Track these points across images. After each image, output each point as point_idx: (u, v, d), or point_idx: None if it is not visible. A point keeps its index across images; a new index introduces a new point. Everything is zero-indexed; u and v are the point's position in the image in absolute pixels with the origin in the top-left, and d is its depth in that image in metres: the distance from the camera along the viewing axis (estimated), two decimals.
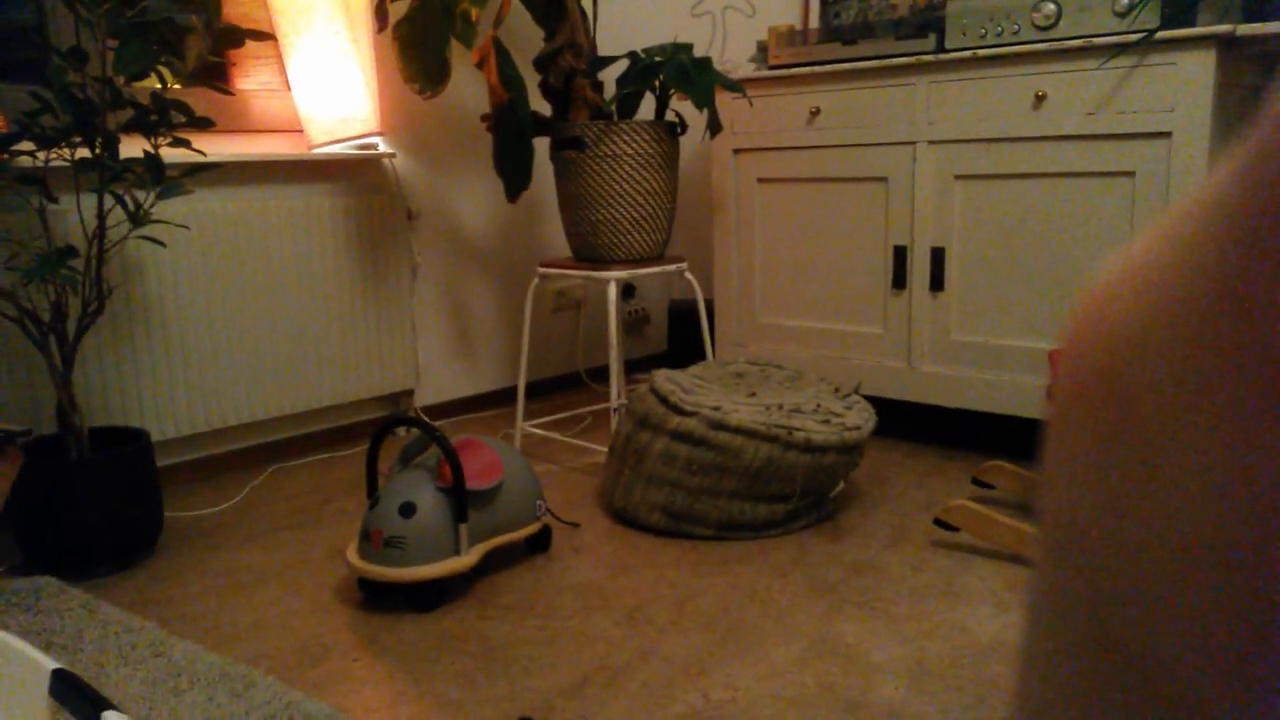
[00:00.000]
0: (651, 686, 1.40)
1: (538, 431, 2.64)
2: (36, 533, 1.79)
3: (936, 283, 2.35)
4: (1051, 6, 2.11)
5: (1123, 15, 2.02)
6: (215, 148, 2.38)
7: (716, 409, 1.92)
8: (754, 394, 2.11)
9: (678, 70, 2.32)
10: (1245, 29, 1.89)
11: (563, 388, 3.33)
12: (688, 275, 2.51)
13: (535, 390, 3.23)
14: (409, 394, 2.84)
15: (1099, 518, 0.22)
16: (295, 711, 1.31)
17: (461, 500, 1.66)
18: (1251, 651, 0.18)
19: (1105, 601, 0.21)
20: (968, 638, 1.51)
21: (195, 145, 2.27)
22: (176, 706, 1.34)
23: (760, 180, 2.66)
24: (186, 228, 2.26)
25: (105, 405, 2.17)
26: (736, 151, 2.69)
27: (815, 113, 2.50)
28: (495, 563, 1.85)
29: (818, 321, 2.60)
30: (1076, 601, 0.23)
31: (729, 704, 1.35)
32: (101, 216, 1.86)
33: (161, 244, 1.94)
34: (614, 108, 2.52)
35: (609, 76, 3.22)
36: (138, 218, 1.87)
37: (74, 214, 2.06)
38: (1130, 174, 2.04)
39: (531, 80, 2.86)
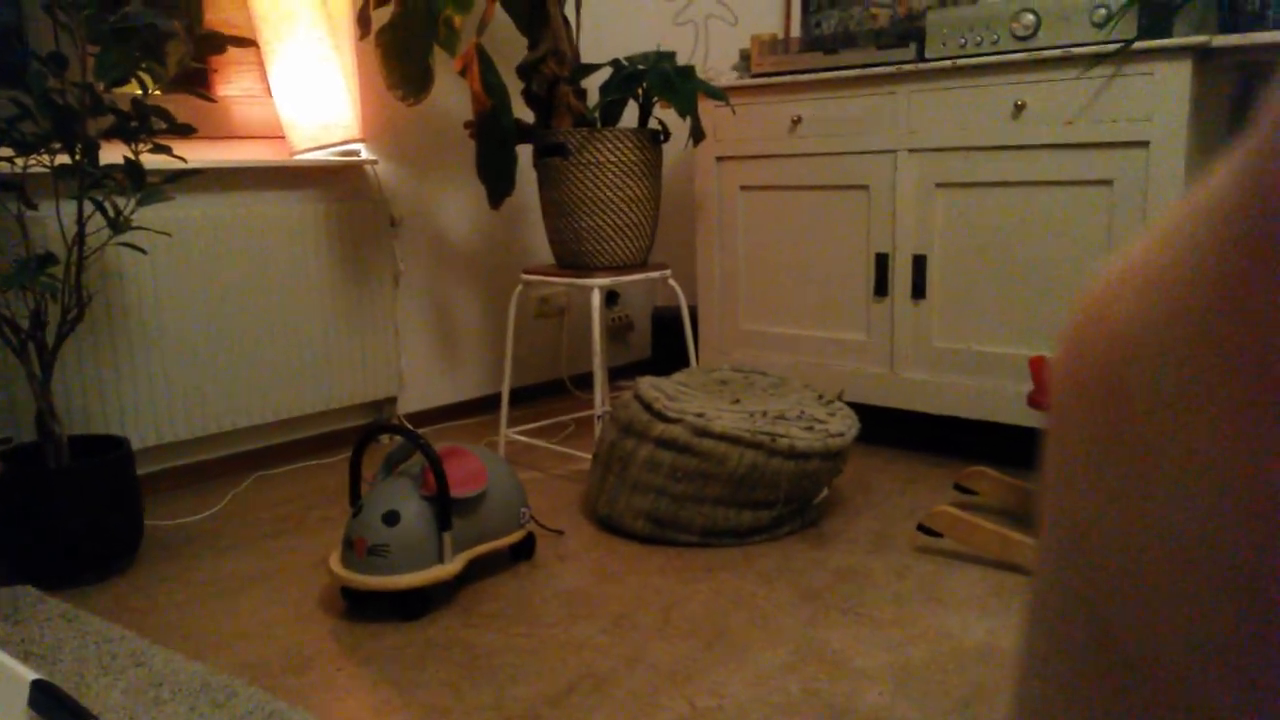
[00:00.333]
0: (637, 694, 1.39)
1: (522, 439, 2.64)
2: (15, 542, 1.77)
3: (918, 290, 2.36)
4: (1030, 17, 2.13)
5: (1100, 26, 2.05)
6: (196, 154, 2.37)
7: (700, 416, 1.92)
8: (738, 401, 2.12)
9: (661, 78, 2.33)
10: (1220, 40, 1.91)
11: (547, 395, 3.32)
12: (671, 282, 2.52)
13: (519, 397, 3.23)
14: (392, 401, 2.83)
15: (1098, 518, 0.22)
16: None
17: (445, 508, 1.65)
18: (1252, 652, 0.18)
19: (1105, 602, 0.21)
20: (952, 643, 1.52)
21: (176, 152, 2.25)
22: (157, 717, 1.32)
23: (743, 188, 2.67)
24: (167, 234, 2.25)
25: (85, 413, 2.15)
26: (719, 159, 2.70)
27: (797, 121, 2.51)
28: (479, 571, 1.85)
29: (801, 328, 2.61)
30: (1076, 602, 0.23)
31: (715, 711, 1.35)
32: (81, 223, 1.85)
33: (142, 251, 1.92)
34: (597, 115, 2.52)
35: (592, 84, 3.23)
36: (118, 224, 1.86)
37: (53, 221, 2.05)
38: (1108, 182, 2.06)
39: (514, 87, 2.86)
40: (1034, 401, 1.80)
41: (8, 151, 1.96)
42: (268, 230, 2.45)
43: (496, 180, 2.51)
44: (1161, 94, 1.97)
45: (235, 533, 2.09)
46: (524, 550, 1.89)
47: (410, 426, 2.83)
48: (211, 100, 2.01)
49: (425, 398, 2.93)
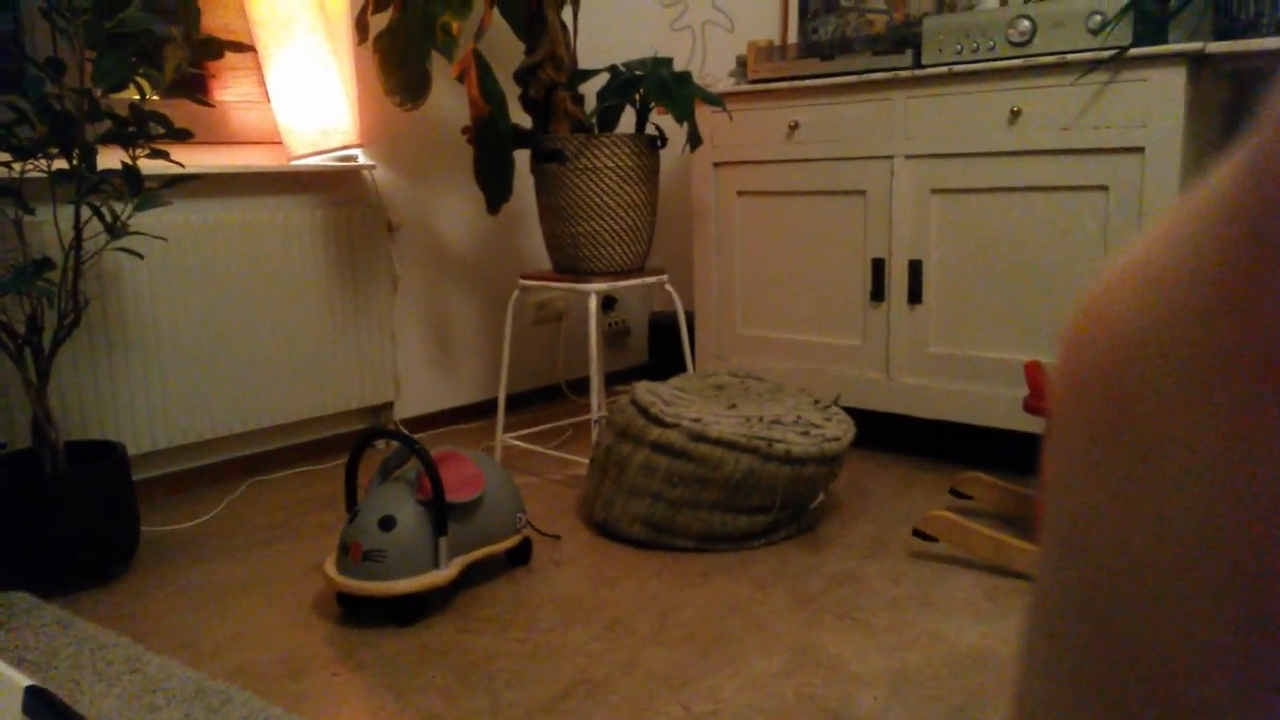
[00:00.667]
0: (633, 699, 1.39)
1: (518, 444, 2.64)
2: (10, 547, 1.77)
3: (914, 295, 2.37)
4: (1026, 23, 2.13)
5: (1096, 32, 2.05)
6: (194, 159, 2.37)
7: (697, 421, 1.92)
8: (734, 406, 2.12)
9: (658, 84, 2.33)
10: (1215, 47, 1.92)
11: (543, 400, 3.32)
12: (668, 287, 2.52)
13: (516, 402, 3.23)
14: (389, 406, 2.83)
15: (1099, 518, 0.22)
16: None
17: (441, 513, 1.65)
18: (1252, 652, 0.18)
19: (1105, 602, 0.22)
20: (947, 648, 1.52)
21: (174, 157, 2.25)
22: None
23: (740, 193, 2.67)
24: (164, 240, 2.25)
25: (81, 419, 2.15)
26: (716, 165, 2.70)
27: (794, 127, 2.52)
28: (475, 576, 1.85)
29: (797, 334, 2.61)
30: (1077, 602, 0.23)
31: (710, 716, 1.35)
32: (78, 228, 1.85)
33: (139, 256, 1.93)
34: (594, 121, 2.52)
35: (589, 90, 3.23)
36: (115, 230, 1.86)
37: (50, 226, 2.05)
38: (1104, 188, 2.06)
39: (512, 93, 2.86)
40: (1030, 406, 1.81)
41: (5, 156, 1.97)
42: (265, 235, 2.45)
43: (494, 186, 2.52)
44: (1156, 100, 1.97)
45: (231, 538, 2.09)
46: (520, 555, 1.89)
47: (407, 432, 2.83)
48: (209, 105, 2.01)
49: (422, 403, 2.93)
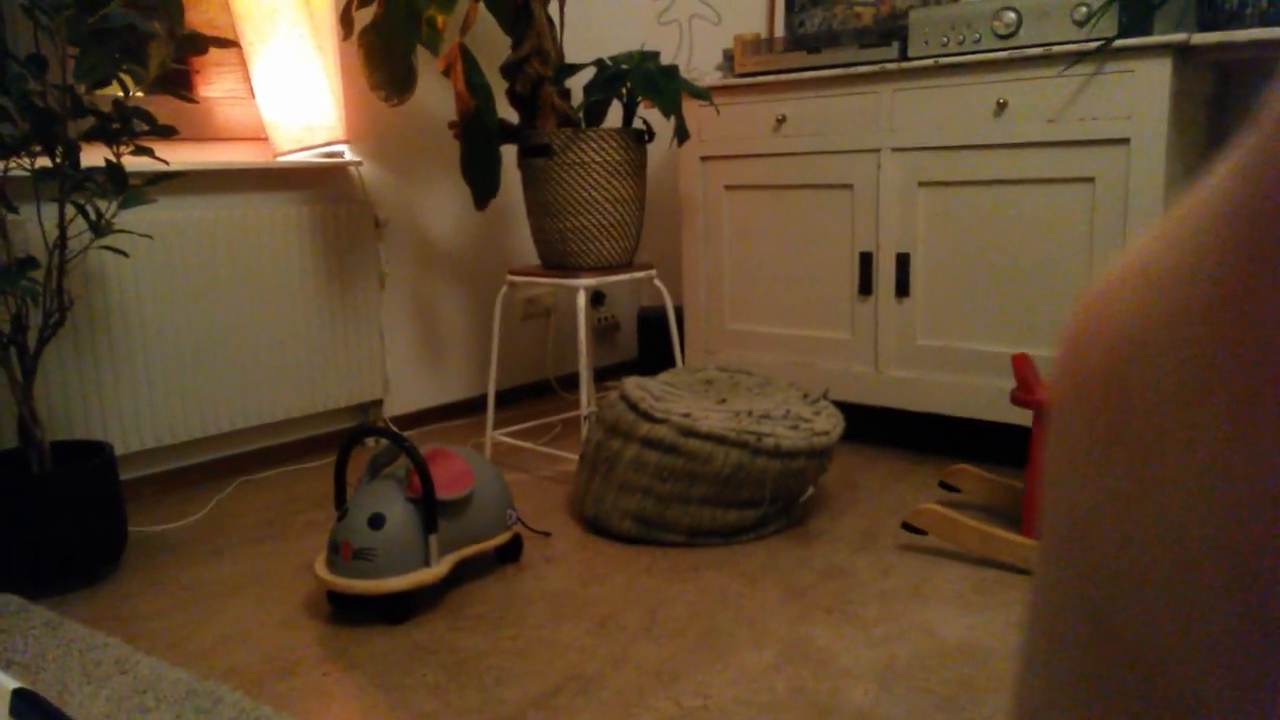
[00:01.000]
0: (623, 695, 1.40)
1: (508, 440, 2.63)
2: None
3: (902, 288, 2.37)
4: (1012, 15, 2.14)
5: (1081, 24, 2.06)
6: (179, 156, 2.36)
7: (686, 416, 1.92)
8: (724, 400, 2.12)
9: (645, 78, 2.33)
10: (1199, 38, 1.93)
11: (533, 396, 3.32)
12: (657, 282, 2.52)
13: (505, 399, 3.22)
14: (378, 404, 2.82)
15: (1099, 518, 0.22)
16: None
17: (431, 511, 1.65)
18: (1251, 651, 0.18)
19: (1105, 601, 0.22)
20: (936, 640, 1.53)
21: (158, 154, 2.24)
22: None
23: (728, 187, 2.67)
24: (149, 237, 2.24)
25: (67, 418, 2.13)
26: (704, 159, 2.70)
27: (781, 120, 2.52)
28: (466, 573, 1.85)
29: (786, 328, 2.61)
30: (1076, 601, 0.23)
31: (701, 711, 1.35)
32: (62, 226, 1.84)
33: (124, 254, 1.91)
34: (581, 115, 2.52)
35: (576, 84, 3.22)
36: (100, 227, 1.85)
37: (34, 224, 2.03)
38: (1090, 180, 2.07)
39: (499, 87, 2.85)
40: (1017, 399, 1.81)
41: None
42: (251, 232, 2.43)
43: (481, 181, 2.51)
44: (1142, 91, 1.98)
45: (220, 538, 2.08)
46: (511, 552, 1.89)
47: (396, 429, 2.82)
48: (194, 101, 2.00)
49: (411, 400, 2.92)
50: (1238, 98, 2.35)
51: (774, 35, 3.06)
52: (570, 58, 3.24)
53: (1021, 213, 2.17)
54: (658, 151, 3.43)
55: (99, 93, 2.15)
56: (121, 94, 1.86)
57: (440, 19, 2.32)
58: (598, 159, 2.35)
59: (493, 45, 2.98)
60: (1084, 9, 2.04)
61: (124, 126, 1.85)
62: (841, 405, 2.66)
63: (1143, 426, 0.20)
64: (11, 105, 1.72)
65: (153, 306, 2.27)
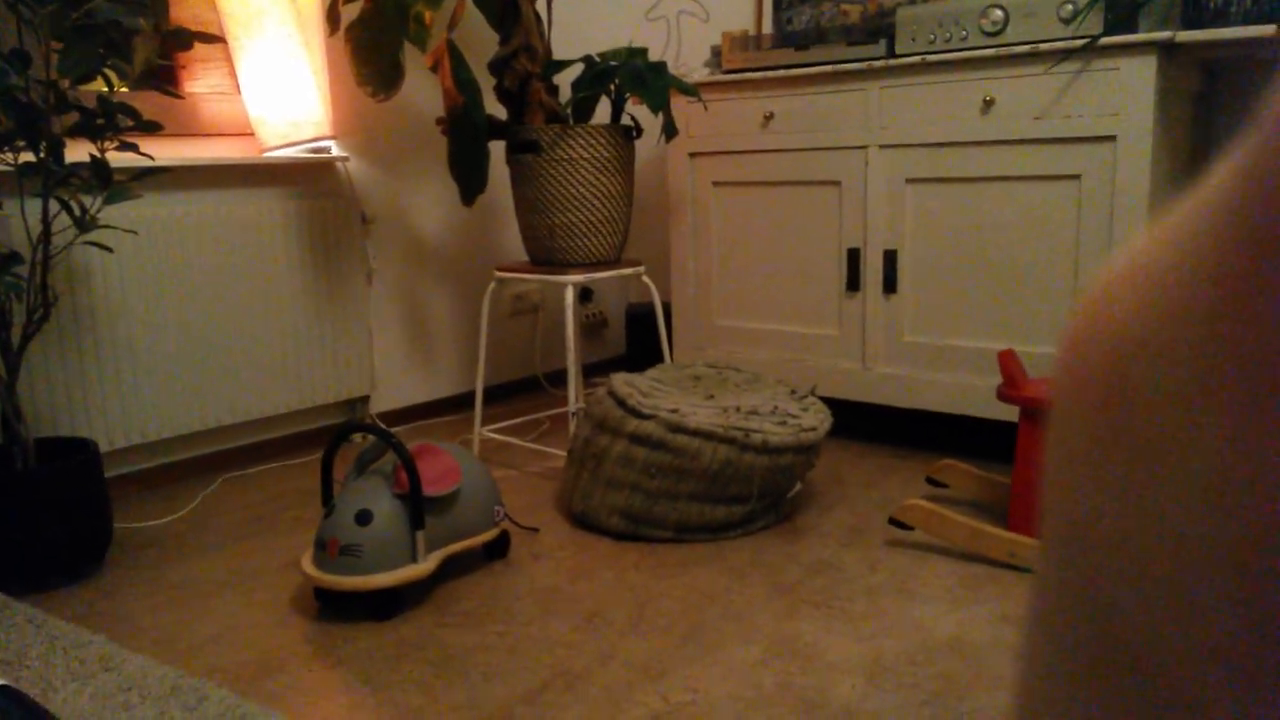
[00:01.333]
0: (611, 690, 1.40)
1: (496, 436, 2.63)
2: None
3: (889, 285, 2.38)
4: (999, 13, 2.14)
5: (1067, 21, 2.06)
6: (164, 152, 2.34)
7: (674, 412, 1.92)
8: (712, 396, 2.12)
9: (633, 74, 2.33)
10: (1184, 36, 1.94)
11: (521, 392, 3.32)
12: (645, 279, 2.52)
13: (493, 395, 3.22)
14: (365, 400, 2.82)
15: (1098, 518, 0.22)
16: None
17: (418, 507, 1.65)
18: (1252, 652, 0.18)
19: (1105, 602, 0.22)
20: (923, 635, 1.53)
21: (143, 149, 2.22)
22: None
23: (716, 184, 2.67)
24: (134, 233, 2.22)
25: (52, 415, 2.12)
26: (692, 155, 2.70)
27: (769, 117, 2.52)
28: (453, 569, 1.84)
29: (774, 324, 2.62)
30: (1076, 601, 0.23)
31: (688, 706, 1.35)
32: (46, 222, 1.82)
33: (108, 249, 1.90)
34: (569, 111, 2.52)
35: (564, 80, 3.22)
36: (84, 223, 1.84)
37: (18, 220, 2.02)
38: (1076, 177, 2.08)
39: (486, 84, 2.84)
40: (1004, 395, 1.82)
41: None
42: (237, 228, 2.42)
43: (469, 177, 2.50)
44: (1128, 89, 1.99)
45: (206, 535, 2.07)
46: (498, 548, 1.89)
47: (383, 425, 2.82)
48: (179, 97, 1.99)
49: (398, 396, 2.91)
50: (1223, 95, 2.37)
51: (762, 32, 3.06)
52: (558, 54, 3.24)
53: (1008, 209, 2.18)
54: (646, 148, 3.43)
55: (83, 88, 2.13)
56: (106, 89, 1.84)
57: (428, 15, 2.32)
58: (586, 155, 2.34)
59: (480, 41, 2.98)
60: (1070, 7, 2.05)
61: (108, 122, 1.84)
62: (829, 401, 2.66)
63: (1143, 427, 0.20)
64: None
65: (138, 302, 2.25)
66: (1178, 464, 0.19)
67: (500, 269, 2.49)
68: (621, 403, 1.97)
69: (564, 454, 2.53)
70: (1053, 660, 0.24)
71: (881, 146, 2.35)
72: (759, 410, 2.01)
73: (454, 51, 2.37)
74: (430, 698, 1.39)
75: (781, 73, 2.46)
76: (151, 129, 1.87)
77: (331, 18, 2.34)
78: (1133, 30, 2.03)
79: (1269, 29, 1.86)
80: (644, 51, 2.41)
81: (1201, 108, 2.33)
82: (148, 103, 2.29)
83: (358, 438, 2.77)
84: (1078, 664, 0.23)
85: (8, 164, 1.80)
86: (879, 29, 2.35)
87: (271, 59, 2.38)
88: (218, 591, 1.78)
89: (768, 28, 3.06)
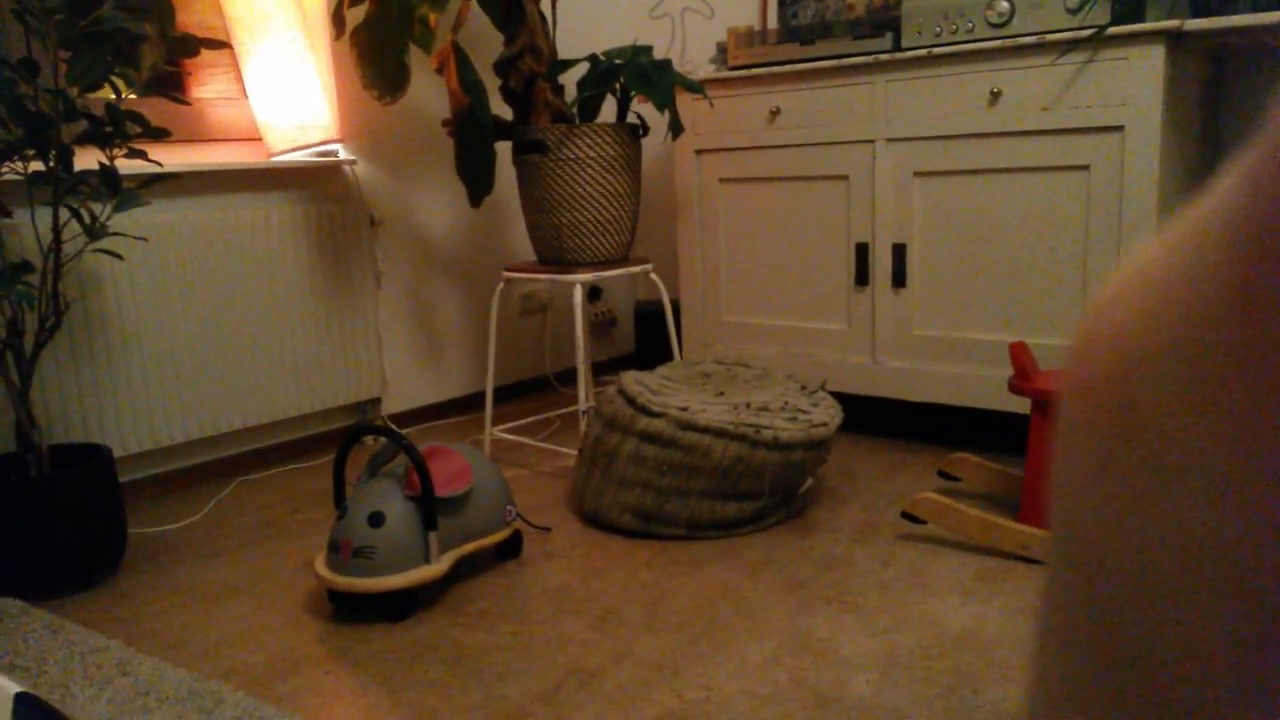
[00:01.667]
0: (626, 688, 1.40)
1: (507, 436, 2.63)
2: None
3: (898, 279, 2.37)
4: (1005, 4, 2.13)
5: (1074, 12, 2.05)
6: (172, 158, 2.35)
7: (684, 409, 1.92)
8: (722, 393, 2.12)
9: (638, 72, 2.33)
10: (1192, 24, 1.93)
11: (531, 391, 3.32)
12: (653, 276, 2.52)
13: (503, 395, 3.22)
14: (376, 402, 2.82)
15: (1104, 522, 0.22)
16: None
17: (430, 508, 1.65)
18: (1255, 655, 0.18)
19: (1111, 605, 0.22)
20: (937, 629, 1.53)
21: (152, 156, 2.24)
22: None
23: (723, 180, 2.67)
24: (145, 240, 2.23)
25: (65, 422, 2.13)
26: (699, 152, 2.70)
27: (775, 113, 2.52)
28: (466, 570, 1.85)
29: (783, 319, 2.61)
30: (1083, 605, 0.23)
31: (703, 703, 1.35)
32: (57, 230, 1.84)
33: (119, 256, 1.91)
34: (575, 111, 2.52)
35: (569, 80, 3.22)
36: (94, 231, 1.85)
37: (29, 228, 2.03)
38: (1085, 167, 2.07)
39: (492, 84, 2.85)
40: (1015, 387, 1.81)
41: None
42: (246, 233, 2.43)
43: (476, 178, 2.51)
44: (1135, 78, 1.98)
45: (219, 539, 2.08)
46: (511, 548, 1.90)
47: (394, 427, 2.83)
48: (186, 103, 2.00)
49: (409, 398, 2.92)
50: (1232, 83, 2.35)
51: (767, 27, 3.06)
52: (563, 53, 3.24)
53: (1017, 201, 2.17)
54: (652, 146, 3.43)
55: (91, 96, 2.15)
56: (114, 97, 1.85)
57: (433, 17, 2.32)
58: (592, 154, 2.34)
59: (485, 42, 2.98)
60: None
61: (117, 129, 1.84)
62: (839, 396, 2.66)
63: (1150, 433, 0.20)
64: (4, 110, 1.72)
65: (148, 308, 2.26)
66: (1184, 470, 0.19)
67: (508, 269, 2.49)
68: (631, 401, 1.97)
69: (575, 453, 2.53)
70: (1061, 662, 0.24)
71: (889, 140, 2.34)
72: (769, 406, 2.01)
73: (459, 53, 2.37)
74: (445, 698, 1.39)
75: (787, 68, 2.46)
76: (159, 135, 1.88)
77: (337, 21, 2.35)
78: (1140, 19, 2.02)
79: (1277, 15, 1.85)
80: (649, 49, 2.41)
81: (1210, 95, 2.32)
82: (155, 109, 2.30)
83: (369, 440, 2.78)
84: (1084, 666, 0.23)
85: (18, 173, 1.81)
86: (884, 22, 2.34)
87: (278, 63, 2.39)
88: (232, 595, 1.79)
89: (773, 23, 3.05)
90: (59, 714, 0.91)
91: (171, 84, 2.41)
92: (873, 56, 2.31)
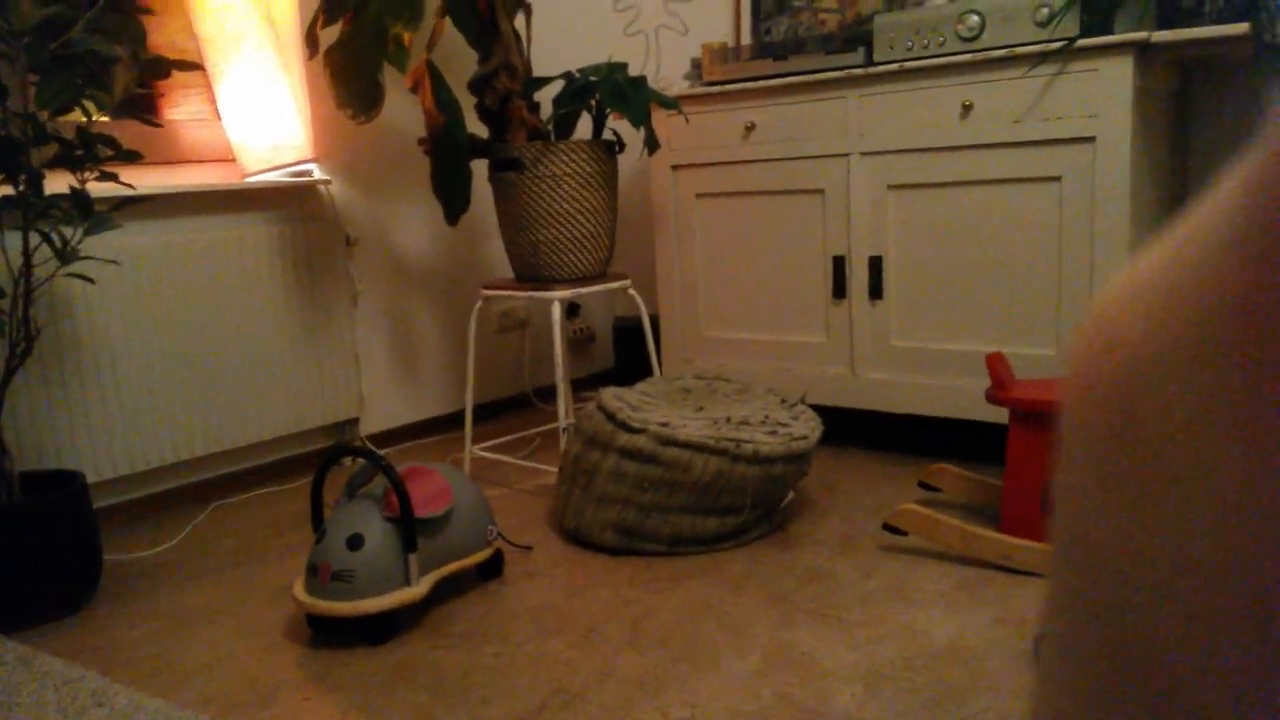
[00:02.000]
0: (609, 707, 1.39)
1: (487, 455, 2.62)
2: None
3: (875, 291, 2.38)
4: (975, 18, 2.16)
5: (1044, 25, 2.08)
6: (145, 180, 2.34)
7: (665, 425, 1.92)
8: (702, 408, 2.12)
9: (613, 89, 2.33)
10: (1159, 36, 1.95)
11: (510, 409, 3.31)
12: (631, 292, 2.52)
13: (483, 413, 3.21)
14: (354, 423, 2.80)
15: (1110, 533, 0.22)
16: None
17: (410, 529, 1.64)
18: (1258, 662, 0.18)
19: (1116, 616, 0.21)
20: (920, 640, 1.53)
21: (124, 178, 2.22)
22: None
23: (699, 196, 2.67)
24: (116, 263, 2.21)
25: (37, 448, 2.10)
26: (675, 168, 2.70)
27: (750, 128, 2.53)
28: (447, 591, 1.83)
29: (762, 333, 2.62)
30: (1088, 614, 0.23)
31: None
32: (27, 255, 1.81)
33: (91, 280, 1.89)
34: (551, 128, 2.52)
35: (545, 97, 3.23)
36: (65, 255, 1.83)
37: None
38: (1057, 178, 2.09)
39: (467, 103, 2.85)
40: (993, 397, 1.82)
41: None
42: (221, 254, 2.41)
43: (452, 196, 2.50)
44: (1105, 90, 2.00)
45: (196, 564, 2.06)
46: (492, 568, 1.88)
47: (373, 448, 2.81)
48: (158, 125, 1.98)
49: (387, 418, 2.90)
50: (1200, 93, 2.39)
51: (741, 43, 3.08)
52: (538, 71, 3.24)
53: (991, 213, 2.19)
54: (628, 162, 3.43)
55: (62, 119, 2.13)
56: (85, 120, 1.84)
57: (407, 36, 2.32)
58: (568, 171, 2.35)
59: (460, 61, 2.98)
60: (1045, 10, 2.07)
61: (88, 152, 1.83)
62: (819, 409, 2.66)
63: (1154, 444, 0.20)
64: None
65: (121, 332, 2.24)
66: (1187, 479, 0.19)
67: (486, 287, 2.48)
68: (611, 417, 1.96)
69: (555, 470, 2.52)
70: (1066, 671, 0.24)
71: (863, 154, 2.36)
72: (749, 420, 2.01)
73: (434, 72, 2.37)
74: None
75: (761, 83, 2.47)
76: (131, 158, 1.87)
77: (310, 40, 2.34)
78: (1109, 31, 2.04)
79: (1242, 27, 1.88)
80: (624, 66, 2.42)
81: (1179, 106, 2.35)
82: (127, 132, 2.28)
83: (347, 461, 2.76)
84: (1090, 675, 0.23)
85: None
86: (857, 37, 2.36)
87: (250, 83, 2.38)
88: (210, 621, 1.77)
89: (746, 39, 3.07)
90: None
91: (143, 106, 2.40)
92: (846, 71, 2.33)
